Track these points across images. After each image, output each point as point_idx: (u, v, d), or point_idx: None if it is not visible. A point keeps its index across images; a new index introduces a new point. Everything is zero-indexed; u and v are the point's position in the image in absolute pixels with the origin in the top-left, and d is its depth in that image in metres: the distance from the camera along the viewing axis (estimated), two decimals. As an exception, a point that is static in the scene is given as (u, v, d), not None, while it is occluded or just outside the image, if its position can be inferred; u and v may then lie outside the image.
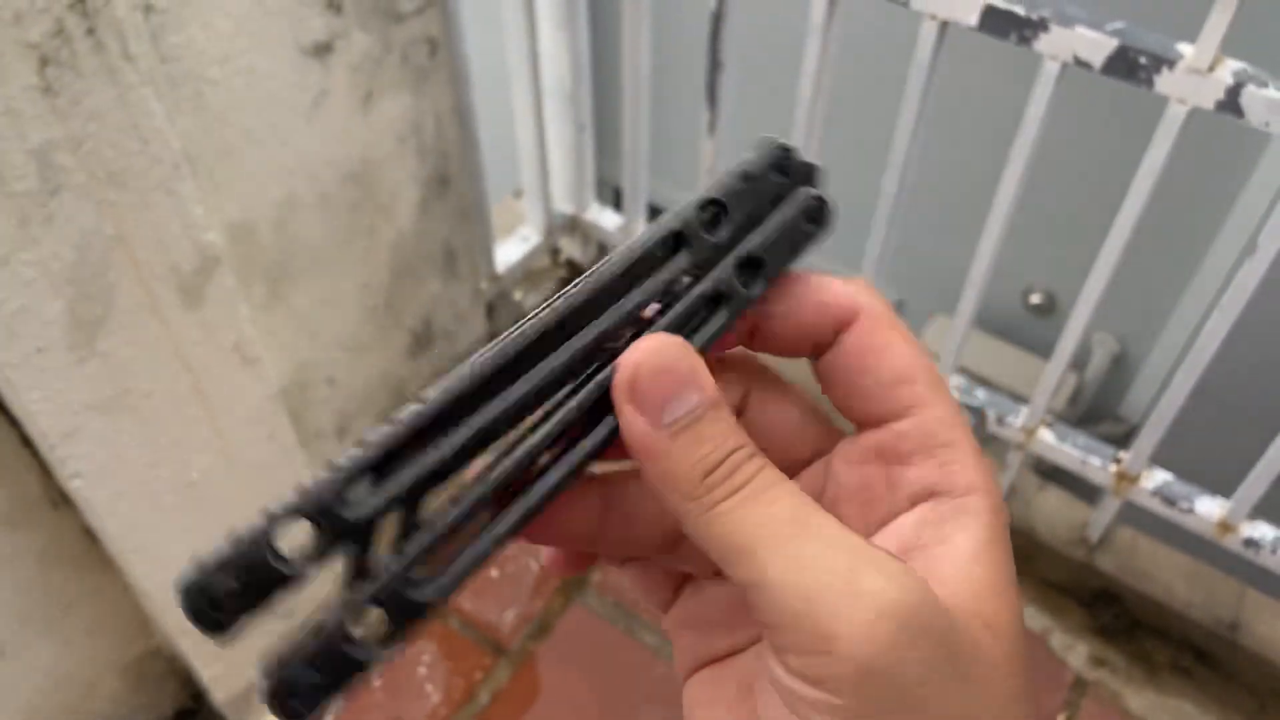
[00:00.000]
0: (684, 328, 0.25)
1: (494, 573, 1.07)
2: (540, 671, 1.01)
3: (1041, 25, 0.73)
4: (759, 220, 0.25)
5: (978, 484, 0.24)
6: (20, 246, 0.57)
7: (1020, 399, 1.02)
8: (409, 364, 1.07)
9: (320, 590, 0.22)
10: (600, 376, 0.24)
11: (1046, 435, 0.99)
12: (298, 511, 0.20)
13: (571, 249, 1.27)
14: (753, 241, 0.25)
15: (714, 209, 0.25)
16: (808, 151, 0.82)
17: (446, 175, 0.98)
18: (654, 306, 0.25)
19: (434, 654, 1.01)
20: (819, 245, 0.26)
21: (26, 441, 0.71)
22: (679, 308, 0.24)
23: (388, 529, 0.21)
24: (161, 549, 0.76)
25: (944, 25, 0.77)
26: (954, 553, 0.23)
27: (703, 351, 0.24)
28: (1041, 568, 1.07)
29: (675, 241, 0.25)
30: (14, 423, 0.70)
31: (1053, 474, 1.05)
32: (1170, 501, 0.95)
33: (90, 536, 0.78)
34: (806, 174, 0.26)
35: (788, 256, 0.25)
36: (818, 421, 0.28)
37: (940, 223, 1.22)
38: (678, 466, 0.23)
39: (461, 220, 1.03)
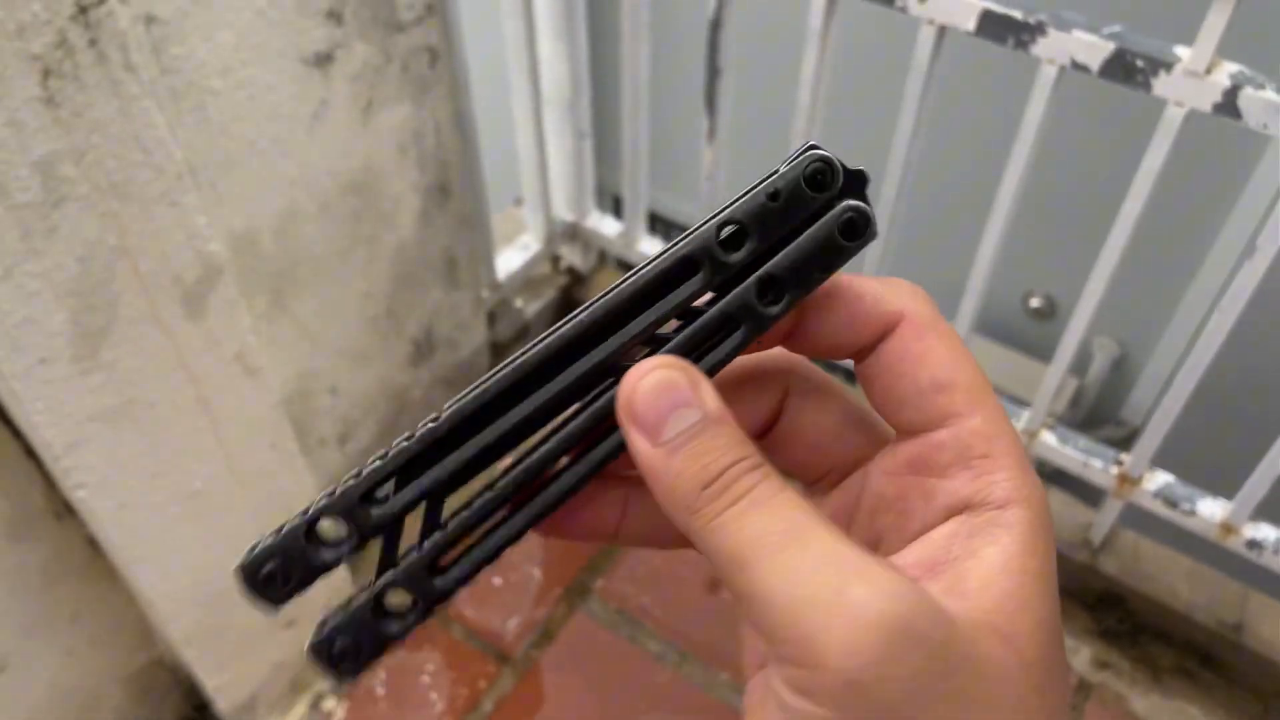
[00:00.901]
0: (700, 346, 0.25)
1: (497, 581, 1.07)
2: (544, 679, 1.01)
3: (1039, 29, 0.74)
4: (794, 234, 0.25)
5: (1016, 496, 0.24)
6: (24, 258, 0.57)
7: (1021, 403, 1.02)
8: (410, 372, 1.07)
9: (321, 595, 0.24)
10: (612, 392, 0.25)
11: (1048, 438, 0.99)
12: (331, 511, 0.24)
13: (572, 257, 1.28)
14: (778, 261, 0.25)
15: (734, 228, 0.25)
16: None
17: (447, 184, 0.99)
18: (674, 323, 0.25)
19: (438, 663, 1.01)
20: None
21: (30, 453, 0.71)
22: (695, 326, 0.25)
23: (414, 524, 0.25)
24: (165, 559, 0.76)
25: (942, 30, 0.77)
26: (981, 565, 0.23)
27: (713, 371, 0.25)
28: (1044, 571, 1.07)
29: (692, 265, 0.25)
30: (18, 434, 0.70)
31: (1055, 477, 1.05)
32: (1172, 503, 0.95)
33: (94, 547, 0.78)
34: (852, 182, 0.25)
35: (818, 274, 0.25)
36: (860, 427, 0.27)
37: (939, 228, 1.22)
38: (676, 481, 0.23)
39: (462, 229, 1.04)
